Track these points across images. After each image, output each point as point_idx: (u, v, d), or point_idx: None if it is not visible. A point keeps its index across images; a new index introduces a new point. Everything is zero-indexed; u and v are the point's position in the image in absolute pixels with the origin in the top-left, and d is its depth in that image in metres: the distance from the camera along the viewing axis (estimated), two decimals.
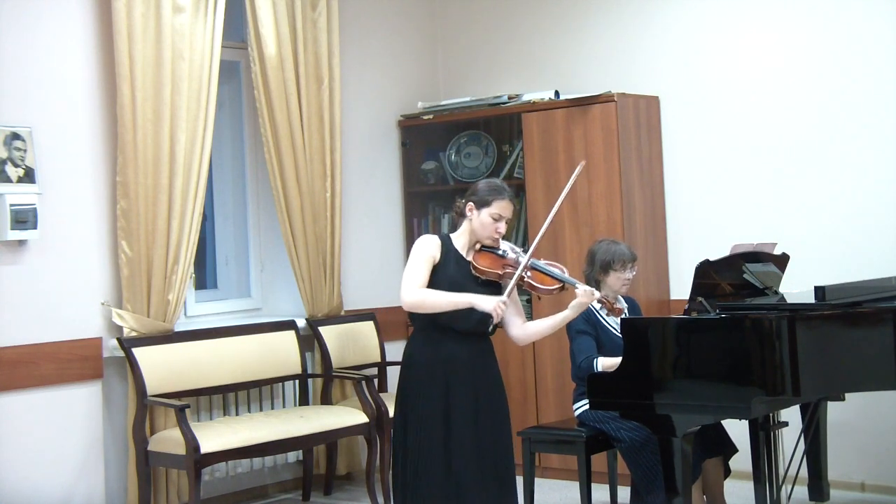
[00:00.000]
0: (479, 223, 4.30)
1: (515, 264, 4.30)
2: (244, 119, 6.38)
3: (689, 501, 4.40)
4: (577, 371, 5.01)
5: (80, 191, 5.37)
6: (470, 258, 4.33)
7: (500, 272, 4.29)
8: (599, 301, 4.35)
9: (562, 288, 4.32)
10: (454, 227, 4.45)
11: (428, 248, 4.29)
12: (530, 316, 5.92)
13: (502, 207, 4.29)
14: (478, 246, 4.36)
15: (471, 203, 4.32)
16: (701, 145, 6.18)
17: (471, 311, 4.20)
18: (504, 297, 4.18)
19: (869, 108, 5.65)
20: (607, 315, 4.98)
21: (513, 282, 4.23)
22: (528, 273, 4.29)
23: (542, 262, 4.37)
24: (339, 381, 6.22)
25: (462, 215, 4.37)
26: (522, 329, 4.41)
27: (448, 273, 4.27)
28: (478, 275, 4.30)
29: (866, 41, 5.66)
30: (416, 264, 4.26)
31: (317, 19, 6.23)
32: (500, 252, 4.35)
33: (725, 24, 6.10)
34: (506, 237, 4.48)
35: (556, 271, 4.34)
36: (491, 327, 4.20)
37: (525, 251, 4.36)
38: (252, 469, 5.95)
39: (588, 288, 4.30)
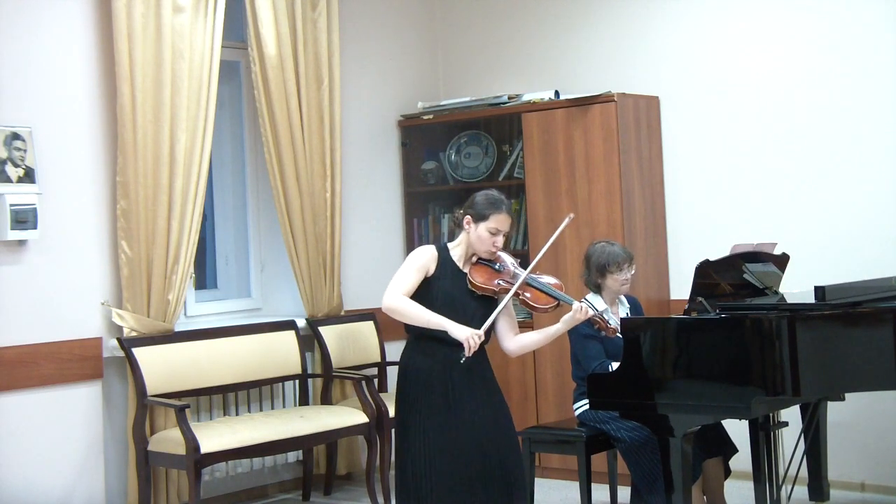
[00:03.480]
0: (477, 237, 4.27)
1: (512, 278, 4.27)
2: (244, 119, 6.38)
3: (689, 501, 4.40)
4: (580, 373, 5.01)
5: (80, 191, 5.37)
6: (466, 271, 4.30)
7: (495, 289, 4.27)
8: (592, 320, 4.31)
9: (557, 305, 4.30)
10: (451, 235, 4.41)
11: (422, 258, 4.26)
12: (531, 327, 5.94)
13: (500, 221, 4.25)
14: (475, 258, 4.33)
15: (468, 216, 4.29)
16: (701, 145, 6.18)
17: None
18: (480, 332, 4.13)
19: (869, 108, 5.65)
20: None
21: (503, 302, 4.22)
22: (525, 291, 4.26)
23: (538, 279, 4.33)
24: (339, 381, 6.22)
25: (459, 226, 4.34)
26: (514, 342, 4.37)
27: (444, 287, 4.25)
28: (473, 290, 4.27)
29: (866, 42, 5.66)
30: (406, 272, 4.24)
31: (317, 19, 6.23)
32: (497, 266, 4.31)
33: (725, 24, 6.10)
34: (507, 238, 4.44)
35: (552, 289, 4.29)
36: (462, 358, 4.10)
37: (524, 267, 4.33)
38: (252, 469, 5.95)
39: (583, 305, 4.25)
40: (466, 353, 4.10)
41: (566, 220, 4.40)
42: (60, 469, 5.21)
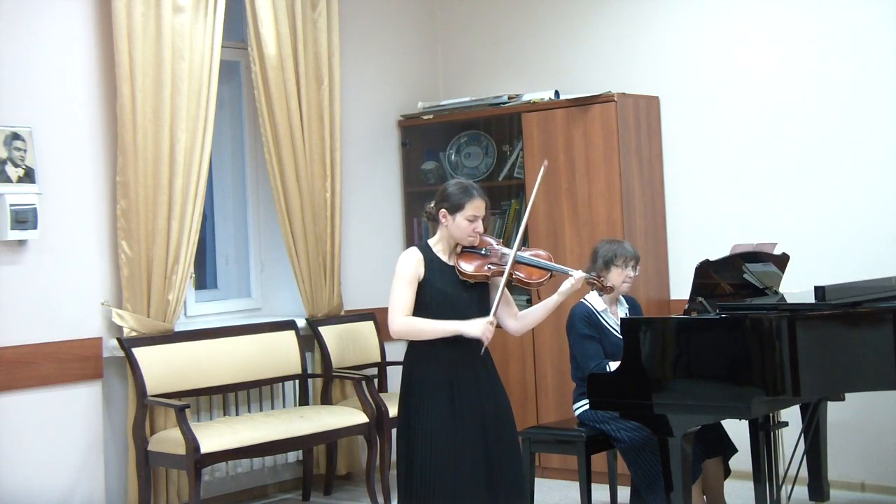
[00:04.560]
0: (456, 227, 4.26)
1: (500, 259, 4.27)
2: (244, 119, 6.38)
3: (689, 501, 4.40)
4: (579, 374, 5.01)
5: (80, 191, 5.37)
6: (453, 263, 4.29)
7: (487, 274, 4.27)
8: (588, 282, 4.35)
9: (550, 276, 4.31)
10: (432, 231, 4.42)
11: (410, 268, 4.25)
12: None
13: (476, 207, 4.25)
14: (459, 248, 4.32)
15: (443, 210, 4.28)
16: (701, 145, 6.18)
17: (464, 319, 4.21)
18: (491, 318, 4.17)
19: (869, 108, 5.65)
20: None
21: (501, 287, 4.22)
22: (516, 270, 4.27)
23: (526, 255, 4.33)
24: (339, 381, 6.22)
25: (435, 221, 4.33)
26: (517, 321, 4.41)
27: (436, 286, 4.24)
28: (465, 279, 4.27)
29: (866, 42, 5.65)
30: (400, 288, 4.23)
31: (317, 19, 6.23)
32: (483, 251, 4.31)
33: (725, 24, 6.10)
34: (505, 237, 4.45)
35: (542, 261, 4.31)
36: (483, 350, 4.18)
37: (509, 247, 4.33)
38: (252, 469, 5.95)
39: (575, 271, 4.29)
40: (486, 344, 4.17)
41: (542, 170, 4.39)
42: (60, 469, 5.21)
